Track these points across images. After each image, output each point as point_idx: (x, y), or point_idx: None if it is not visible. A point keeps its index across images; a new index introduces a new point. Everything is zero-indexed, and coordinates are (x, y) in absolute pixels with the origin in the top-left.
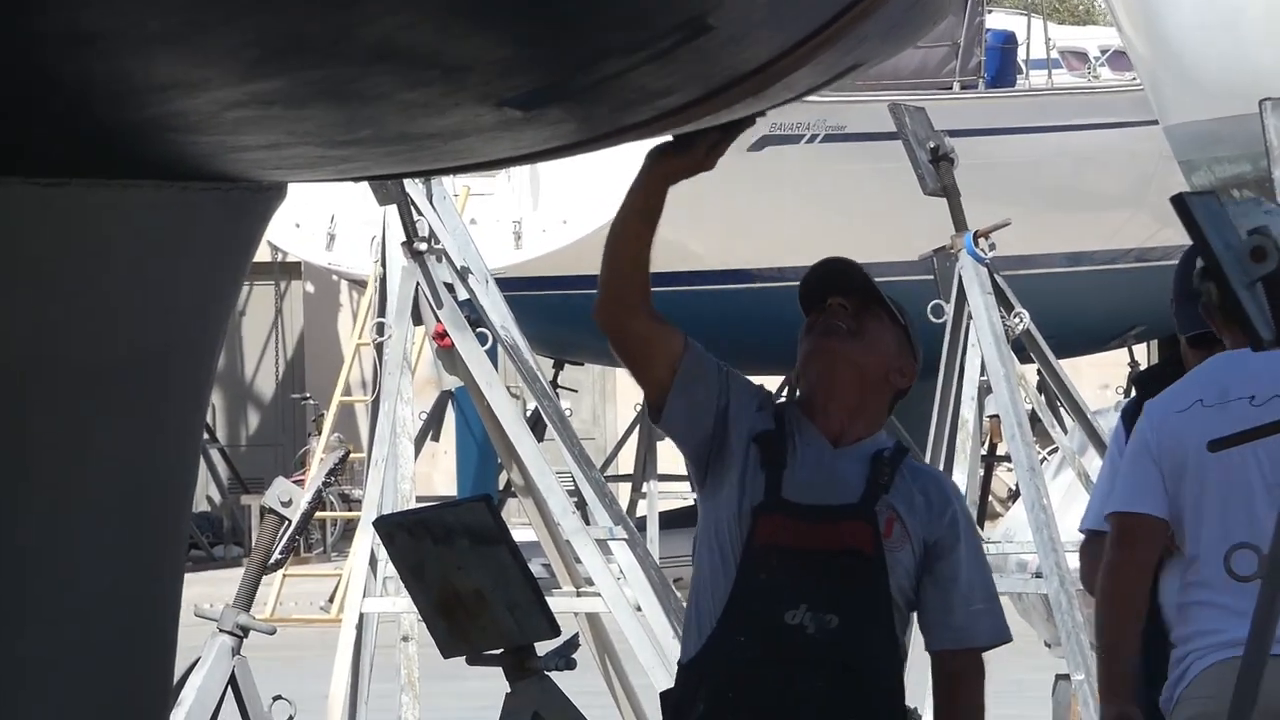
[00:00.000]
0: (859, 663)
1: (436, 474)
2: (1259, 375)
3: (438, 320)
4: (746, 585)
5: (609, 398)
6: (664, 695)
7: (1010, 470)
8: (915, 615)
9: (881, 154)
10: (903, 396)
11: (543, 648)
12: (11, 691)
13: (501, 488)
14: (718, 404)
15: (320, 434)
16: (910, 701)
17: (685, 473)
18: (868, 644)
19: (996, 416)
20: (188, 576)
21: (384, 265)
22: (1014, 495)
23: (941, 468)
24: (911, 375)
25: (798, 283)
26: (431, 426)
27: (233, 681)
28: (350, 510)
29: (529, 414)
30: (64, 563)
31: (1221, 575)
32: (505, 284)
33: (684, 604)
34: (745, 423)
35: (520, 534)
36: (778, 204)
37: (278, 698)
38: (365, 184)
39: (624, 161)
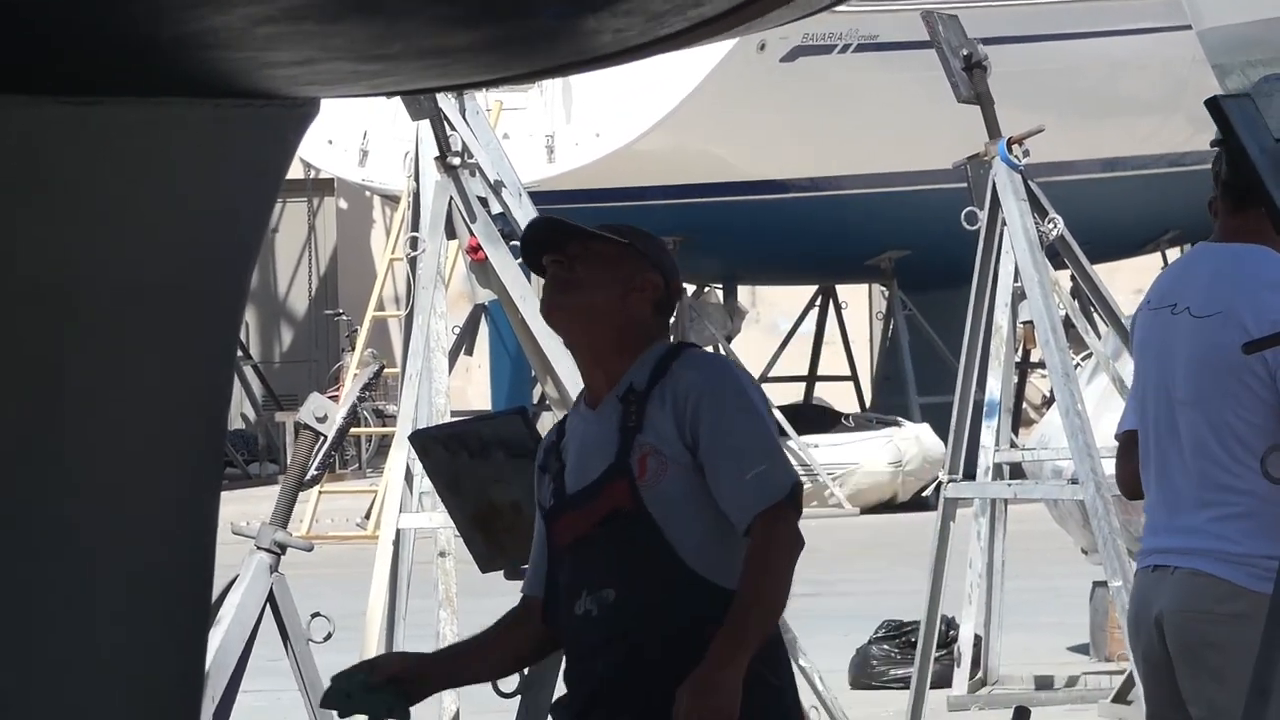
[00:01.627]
0: (640, 625)
1: (470, 388)
2: (1208, 283)
3: (471, 234)
4: (550, 593)
5: None
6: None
7: (1044, 376)
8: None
9: (914, 63)
10: (670, 306)
11: None
12: (48, 609)
13: (536, 401)
14: None
15: (354, 349)
16: None
17: None
18: (651, 603)
19: (1030, 323)
20: (224, 494)
21: (417, 180)
22: (1048, 401)
23: (975, 374)
24: (658, 283)
25: (832, 193)
26: (465, 341)
27: (271, 599)
28: (385, 426)
29: None
30: (100, 481)
31: (1150, 484)
32: (538, 198)
33: None
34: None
35: None
36: (811, 114)
37: (316, 614)
38: (398, 99)
39: (656, 74)
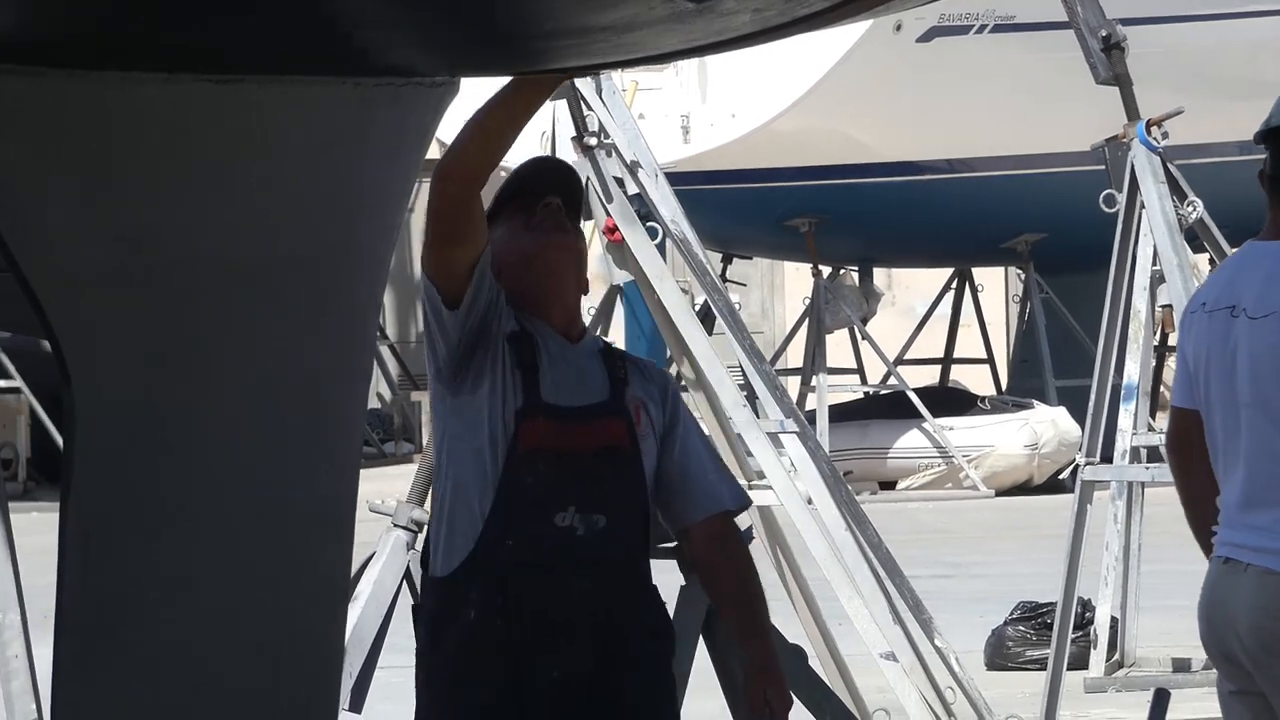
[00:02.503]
0: (626, 559)
1: None
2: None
3: (607, 215)
4: (512, 490)
5: (777, 291)
6: (415, 610)
7: None
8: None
9: (1052, 43)
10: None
11: None
12: (190, 582)
13: None
14: (488, 298)
15: None
16: None
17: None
18: (633, 539)
19: (1169, 306)
20: (360, 473)
21: None
22: None
23: (1113, 358)
24: (588, 286)
25: (968, 175)
26: (600, 321)
27: (407, 575)
28: None
29: (698, 308)
30: (242, 457)
31: (1221, 479)
32: (675, 178)
33: (854, 496)
34: (501, 320)
35: None
36: (947, 95)
37: None
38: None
39: (792, 54)
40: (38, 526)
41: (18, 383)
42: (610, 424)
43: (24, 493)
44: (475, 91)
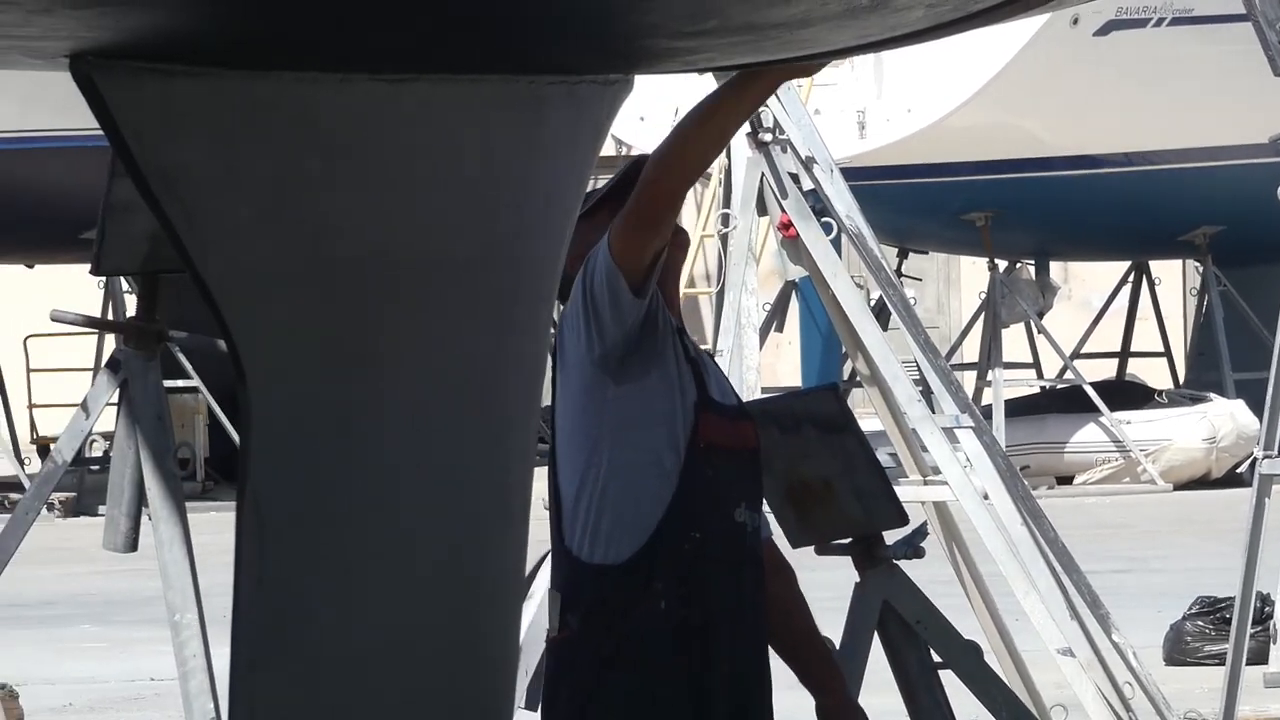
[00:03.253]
0: (761, 555)
1: (781, 365)
2: None
3: (782, 210)
4: (694, 483)
5: (953, 285)
6: (566, 596)
7: None
8: None
9: (1230, 36)
10: None
11: (891, 537)
12: (365, 581)
13: (846, 377)
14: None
15: None
16: None
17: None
18: (764, 537)
19: None
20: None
21: (729, 157)
22: None
23: None
24: None
25: (1146, 168)
26: (775, 317)
27: None
28: None
29: (873, 303)
30: (417, 455)
31: None
32: (849, 173)
33: (1031, 491)
34: (663, 312)
35: (866, 423)
36: (1125, 89)
37: None
38: (709, 75)
39: (969, 49)
40: (216, 526)
41: (195, 382)
42: (749, 426)
43: (203, 492)
44: (648, 86)
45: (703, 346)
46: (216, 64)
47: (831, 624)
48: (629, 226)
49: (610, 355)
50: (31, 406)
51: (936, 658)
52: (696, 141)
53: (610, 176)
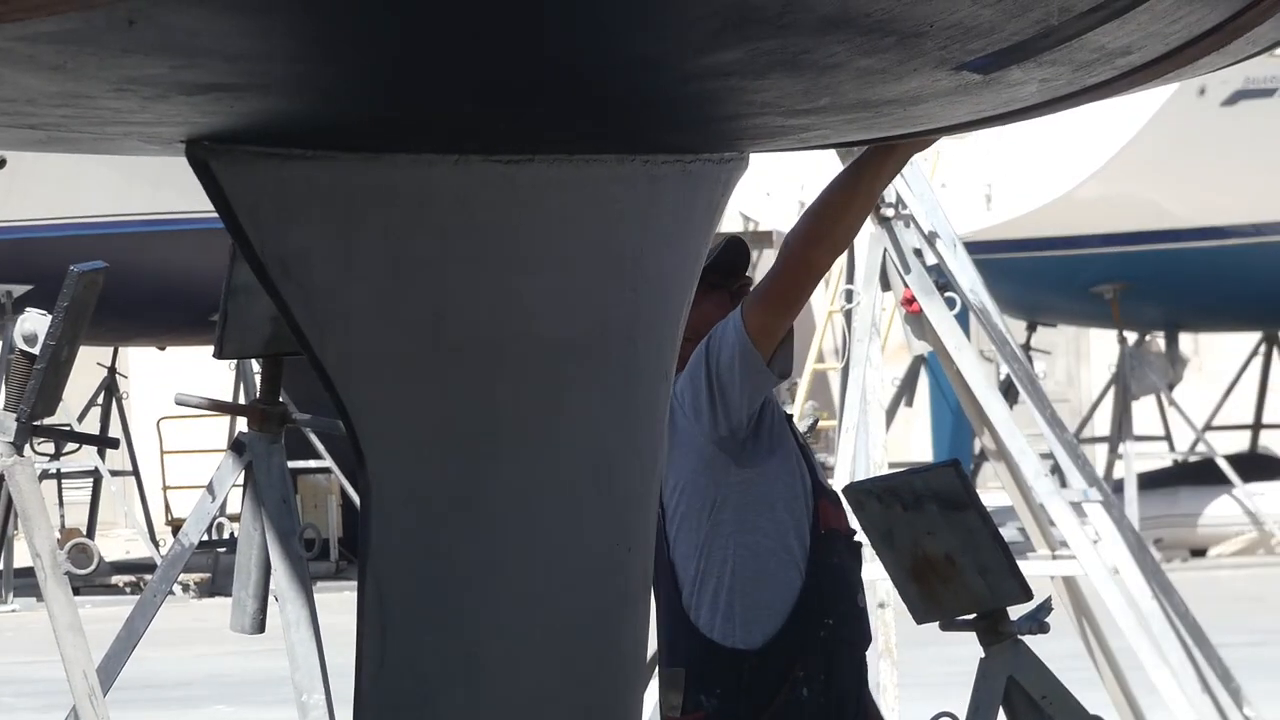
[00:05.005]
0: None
1: (912, 439)
2: None
3: (905, 286)
4: (823, 570)
5: (1083, 358)
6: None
7: None
8: None
9: None
10: None
11: (1016, 612)
12: (487, 664)
13: (976, 452)
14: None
15: (794, 401)
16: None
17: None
18: None
19: None
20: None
21: None
22: None
23: None
24: None
25: (1275, 238)
26: (905, 392)
27: None
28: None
29: (1001, 378)
30: (539, 536)
31: None
32: (974, 247)
33: (1161, 565)
34: (774, 398)
35: (995, 498)
36: (1254, 159)
37: None
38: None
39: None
40: (349, 606)
41: (328, 463)
42: (839, 505)
43: (336, 572)
44: (773, 162)
45: (830, 422)
46: (331, 147)
47: (957, 700)
48: (773, 306)
49: (735, 435)
50: (166, 488)
51: None
52: (845, 217)
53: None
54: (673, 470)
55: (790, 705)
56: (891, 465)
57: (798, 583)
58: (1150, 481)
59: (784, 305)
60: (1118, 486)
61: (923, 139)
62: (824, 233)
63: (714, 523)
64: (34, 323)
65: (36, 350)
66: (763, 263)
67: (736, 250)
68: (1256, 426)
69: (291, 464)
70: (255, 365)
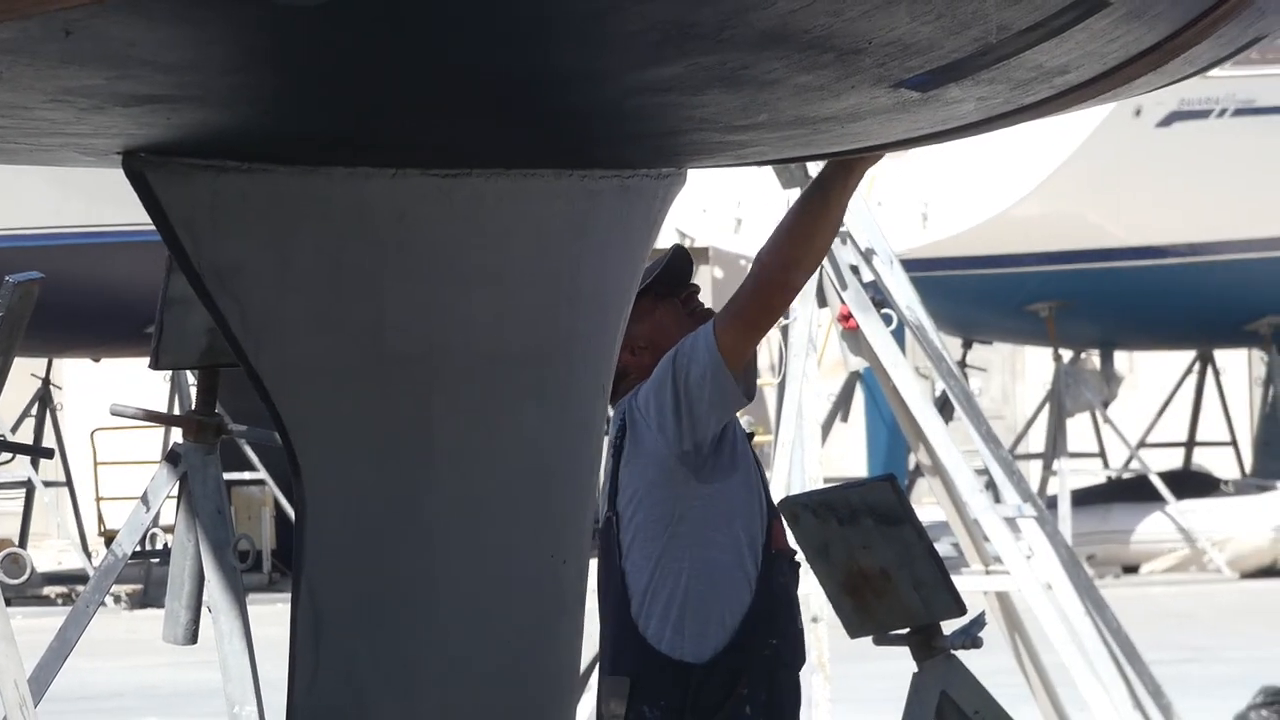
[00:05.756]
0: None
1: (848, 454)
2: None
3: (842, 302)
4: (772, 589)
5: (1019, 376)
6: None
7: None
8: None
9: None
10: None
11: (950, 627)
12: (421, 673)
13: (912, 467)
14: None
15: None
16: None
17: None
18: None
19: None
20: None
21: None
22: None
23: None
24: None
25: (1210, 258)
26: (840, 408)
27: None
28: None
29: (937, 394)
30: (471, 547)
31: None
32: (911, 265)
33: (1094, 581)
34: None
35: (930, 513)
36: (1188, 179)
37: None
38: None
39: (1031, 139)
40: (282, 618)
41: (262, 474)
42: (783, 526)
43: (269, 584)
44: (709, 178)
45: (766, 437)
46: (267, 159)
47: (889, 714)
48: (748, 327)
49: (699, 450)
50: (99, 499)
51: None
52: (818, 237)
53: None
54: (632, 479)
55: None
56: (827, 480)
57: (748, 600)
58: (1084, 498)
59: (758, 326)
60: (1052, 503)
61: (876, 153)
62: (800, 255)
63: (671, 534)
64: None
65: None
66: (700, 279)
67: (683, 258)
68: (1190, 444)
69: (226, 475)
70: (191, 377)
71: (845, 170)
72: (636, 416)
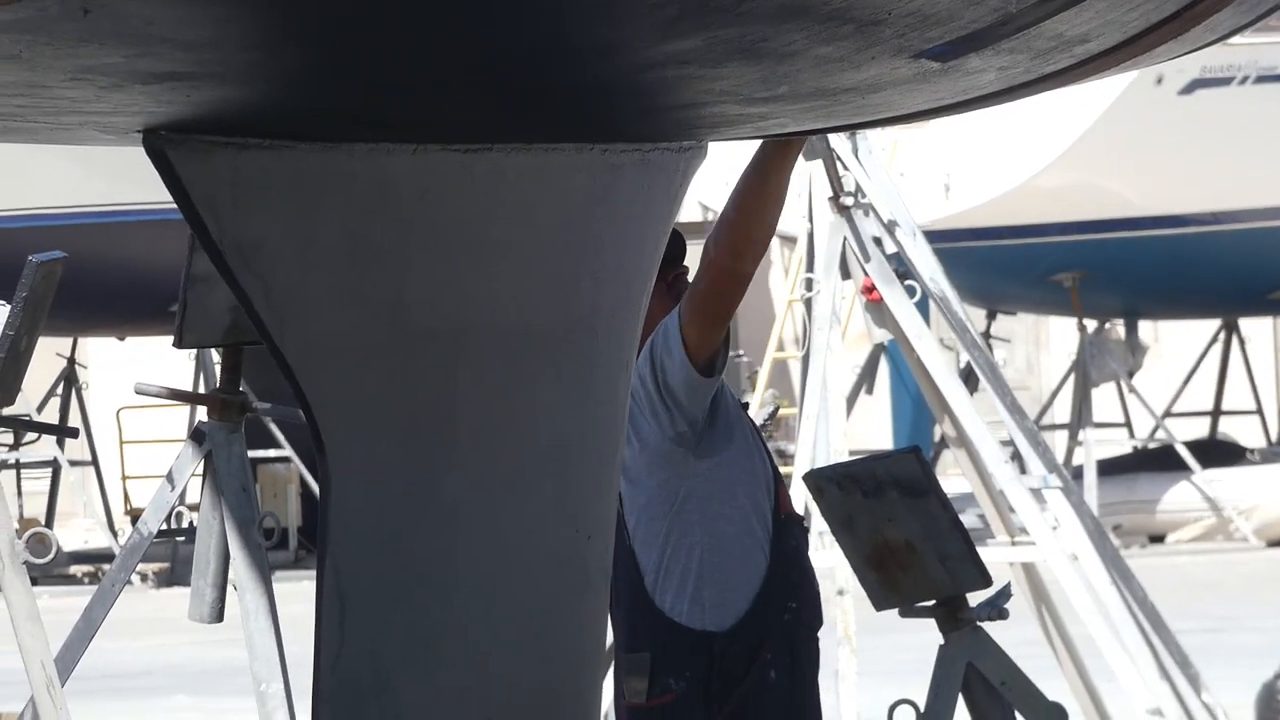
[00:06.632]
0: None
1: (873, 426)
2: None
3: (866, 274)
4: (786, 555)
5: (1043, 346)
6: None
7: None
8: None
9: None
10: None
11: (976, 598)
12: (445, 648)
13: (937, 439)
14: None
15: (754, 390)
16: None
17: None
18: None
19: None
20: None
21: (811, 221)
22: None
23: None
24: None
25: (1233, 226)
26: (865, 380)
27: None
28: (785, 465)
29: (962, 365)
30: (498, 524)
31: None
32: (934, 236)
33: (1120, 551)
34: (727, 388)
35: (955, 484)
36: (1210, 147)
37: None
38: None
39: (1053, 109)
40: (308, 595)
41: (288, 452)
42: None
43: (295, 561)
44: (733, 151)
45: (791, 409)
46: (289, 136)
47: (916, 686)
48: (710, 320)
49: (693, 429)
50: (125, 478)
51: (1022, 719)
52: (763, 220)
53: (697, 240)
54: (632, 461)
55: (759, 685)
56: (852, 452)
57: (763, 565)
58: (1110, 468)
59: (717, 317)
60: (1077, 473)
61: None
62: (747, 241)
63: (677, 512)
64: None
65: None
66: None
67: (671, 242)
68: (1215, 413)
69: (251, 453)
70: (215, 355)
71: (782, 151)
72: (633, 402)
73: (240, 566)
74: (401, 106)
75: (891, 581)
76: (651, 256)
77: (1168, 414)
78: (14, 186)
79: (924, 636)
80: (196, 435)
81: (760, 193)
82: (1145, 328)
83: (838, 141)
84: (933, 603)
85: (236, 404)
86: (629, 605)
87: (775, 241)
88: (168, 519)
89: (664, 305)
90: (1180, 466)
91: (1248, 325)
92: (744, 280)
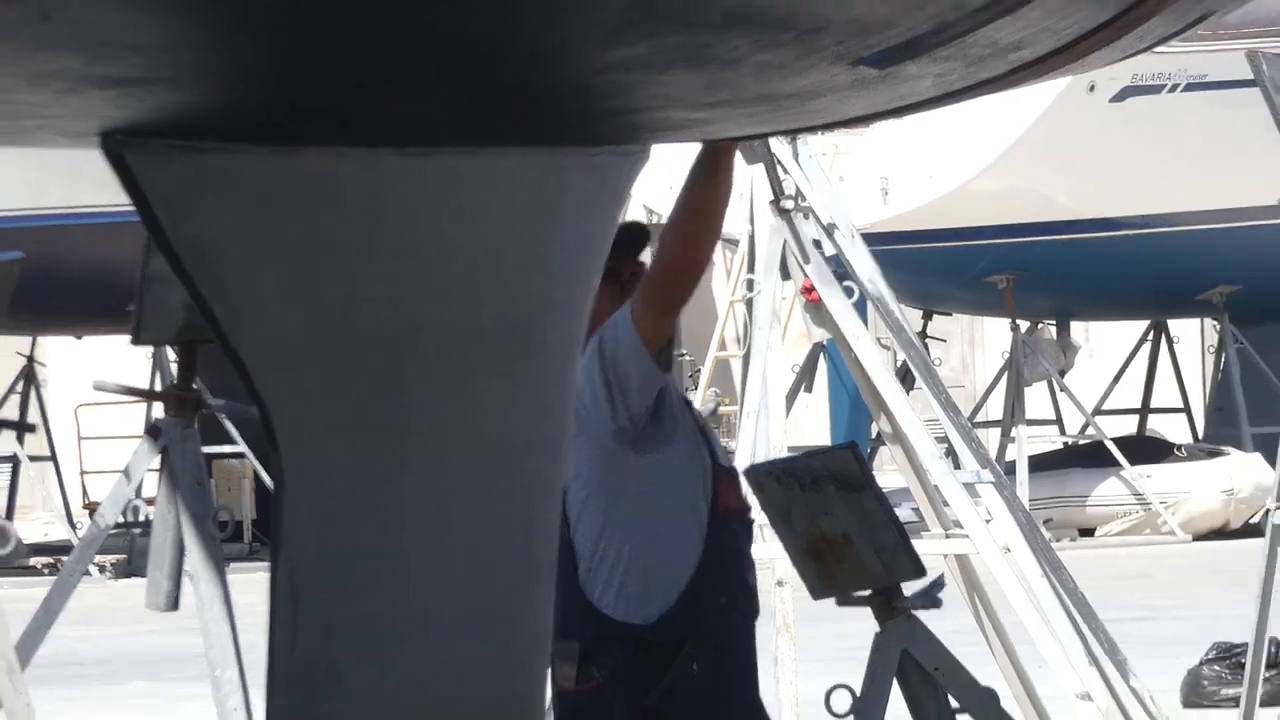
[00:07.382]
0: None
1: (811, 424)
2: None
3: (805, 275)
4: (719, 549)
5: (977, 346)
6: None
7: None
8: None
9: (1243, 100)
10: None
11: (911, 588)
12: (396, 640)
13: (874, 436)
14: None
15: (697, 388)
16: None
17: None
18: None
19: None
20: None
21: (752, 223)
22: None
23: None
24: None
25: (1163, 230)
26: (804, 378)
27: None
28: None
29: (898, 364)
30: (448, 519)
31: None
32: (872, 238)
33: (1051, 543)
34: (673, 383)
35: (891, 479)
36: (1141, 153)
37: None
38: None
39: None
40: (261, 586)
41: (241, 447)
42: (738, 485)
43: (249, 553)
44: (676, 154)
45: (731, 407)
46: (242, 139)
47: (853, 673)
48: (663, 310)
49: (635, 424)
50: (83, 473)
51: (955, 704)
52: (715, 214)
53: None
54: (575, 454)
55: (681, 678)
56: (791, 449)
57: (694, 562)
58: (1041, 464)
59: (670, 307)
60: (1010, 468)
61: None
62: (702, 233)
63: (614, 506)
64: None
65: None
66: None
67: (632, 232)
68: (1144, 410)
69: (206, 448)
70: (171, 352)
71: (727, 146)
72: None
73: (195, 558)
74: (353, 110)
75: (829, 572)
76: (597, 256)
77: (1098, 411)
78: None
79: (861, 625)
80: (153, 431)
81: (710, 185)
82: (1077, 328)
83: (778, 146)
84: (869, 592)
85: (191, 400)
86: (563, 594)
87: (718, 244)
88: (125, 512)
89: (613, 304)
90: (1110, 462)
91: (1176, 326)
92: (699, 270)
